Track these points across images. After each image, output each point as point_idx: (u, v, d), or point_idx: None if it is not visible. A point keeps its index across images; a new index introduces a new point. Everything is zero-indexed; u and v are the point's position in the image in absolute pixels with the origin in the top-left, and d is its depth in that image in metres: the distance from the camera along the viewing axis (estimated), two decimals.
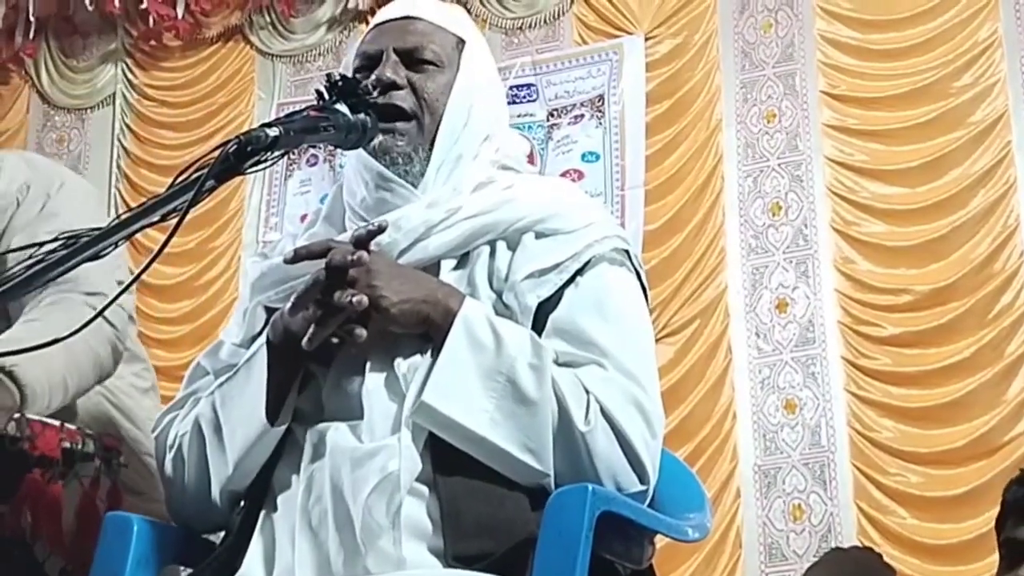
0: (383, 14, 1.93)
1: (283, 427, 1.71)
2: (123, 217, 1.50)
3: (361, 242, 1.69)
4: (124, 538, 1.75)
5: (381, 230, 1.71)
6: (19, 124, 7.10)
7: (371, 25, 1.94)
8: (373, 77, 1.80)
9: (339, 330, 1.65)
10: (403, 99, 1.82)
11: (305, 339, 1.65)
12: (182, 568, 1.87)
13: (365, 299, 1.63)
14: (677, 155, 5.96)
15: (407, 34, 1.86)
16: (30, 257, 1.45)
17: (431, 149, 1.81)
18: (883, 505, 5.24)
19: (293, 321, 1.69)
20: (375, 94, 1.75)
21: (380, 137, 1.78)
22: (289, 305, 1.68)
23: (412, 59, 1.84)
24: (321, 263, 1.67)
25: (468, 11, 5.23)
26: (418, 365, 1.67)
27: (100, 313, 1.75)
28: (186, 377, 1.90)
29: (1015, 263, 5.35)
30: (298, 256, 1.71)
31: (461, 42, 1.89)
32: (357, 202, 1.84)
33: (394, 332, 1.69)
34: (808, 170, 5.79)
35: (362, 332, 1.64)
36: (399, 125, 1.80)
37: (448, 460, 1.63)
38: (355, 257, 1.65)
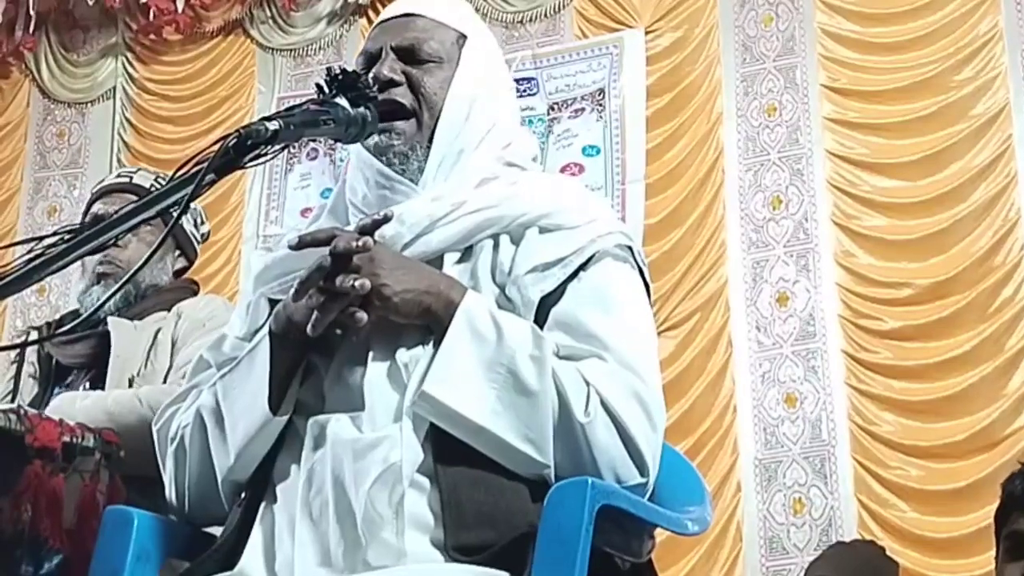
0: (385, 12, 1.96)
1: (285, 417, 1.71)
2: (123, 211, 1.50)
3: (366, 231, 1.69)
4: (124, 532, 1.75)
5: (386, 220, 1.71)
6: (19, 118, 7.10)
7: (374, 24, 1.96)
8: (371, 75, 1.81)
9: (341, 315, 1.65)
10: (402, 95, 1.83)
11: (309, 325, 1.65)
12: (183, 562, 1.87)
13: (367, 282, 1.64)
14: (678, 149, 5.96)
15: (406, 31, 1.88)
16: (30, 251, 1.45)
17: (430, 144, 1.82)
18: (883, 498, 5.24)
19: (296, 310, 1.69)
20: (374, 90, 1.76)
21: (377, 137, 1.79)
22: (292, 292, 1.69)
23: (410, 56, 1.86)
24: (325, 251, 1.67)
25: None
26: (420, 356, 1.68)
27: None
28: (189, 370, 1.91)
29: (1016, 257, 5.35)
30: (303, 243, 1.71)
31: (462, 37, 1.90)
32: (359, 199, 1.85)
33: (396, 323, 1.69)
34: (809, 164, 5.78)
35: (363, 316, 1.64)
36: (397, 124, 1.81)
37: (449, 451, 1.63)
38: (360, 243, 1.65)
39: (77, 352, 2.64)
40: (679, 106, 6.02)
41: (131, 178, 2.83)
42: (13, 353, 2.80)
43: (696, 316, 5.69)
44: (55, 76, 7.10)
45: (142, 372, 2.53)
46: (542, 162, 5.82)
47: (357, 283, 1.63)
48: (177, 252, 2.83)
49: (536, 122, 5.99)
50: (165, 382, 2.51)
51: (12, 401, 2.63)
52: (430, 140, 1.82)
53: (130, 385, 2.50)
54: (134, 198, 2.67)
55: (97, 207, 2.76)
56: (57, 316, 3.01)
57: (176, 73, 6.96)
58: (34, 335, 2.79)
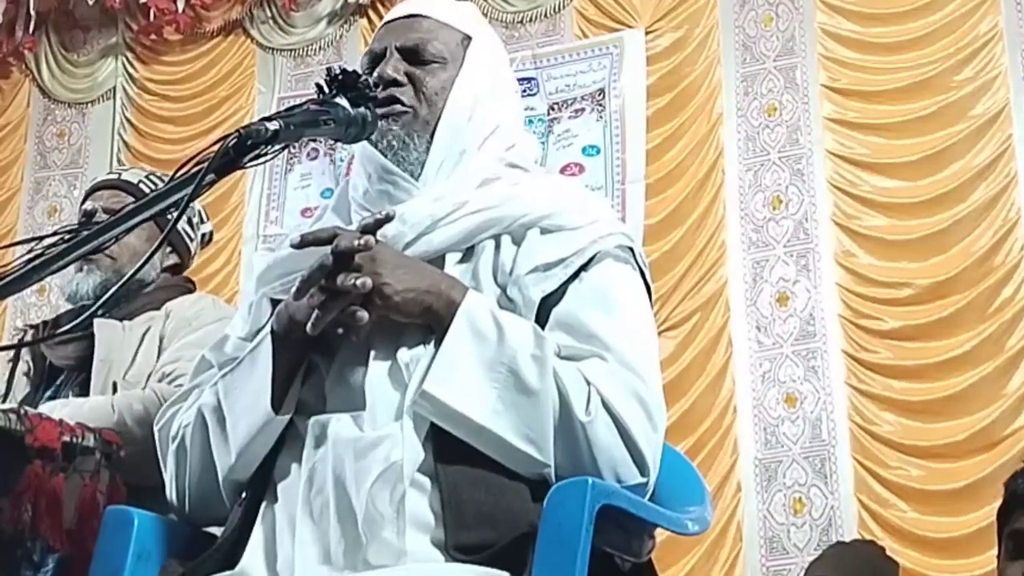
0: (391, 13, 1.96)
1: (286, 417, 1.71)
2: (123, 212, 1.50)
3: (368, 230, 1.70)
4: (124, 532, 1.75)
5: (388, 219, 1.72)
6: (20, 118, 7.10)
7: (380, 24, 1.96)
8: (375, 75, 1.81)
9: (342, 314, 1.66)
10: (404, 94, 1.83)
11: (309, 324, 1.65)
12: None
13: (368, 280, 1.64)
14: (678, 149, 5.96)
15: (410, 32, 1.89)
16: (30, 251, 1.45)
17: (431, 141, 1.82)
18: (884, 498, 5.24)
19: (298, 309, 1.69)
20: (376, 91, 1.76)
21: (379, 121, 1.78)
22: (294, 291, 1.69)
23: (414, 56, 1.86)
24: (327, 250, 1.67)
25: None
26: (420, 355, 1.68)
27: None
28: (191, 371, 1.91)
29: (1016, 257, 5.35)
30: (305, 241, 1.72)
31: (467, 39, 1.91)
32: (360, 195, 1.85)
33: (397, 323, 1.69)
34: (809, 163, 5.78)
35: (364, 314, 1.65)
36: (396, 108, 1.82)
37: (449, 450, 1.63)
38: (362, 242, 1.65)
39: (68, 354, 2.62)
40: (679, 106, 6.02)
41: (120, 174, 2.83)
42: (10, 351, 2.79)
43: (696, 316, 5.69)
44: (55, 76, 7.09)
45: (127, 375, 2.52)
46: (542, 163, 5.82)
47: (358, 282, 1.64)
48: (168, 249, 2.80)
49: (536, 122, 5.99)
50: (147, 383, 2.49)
51: (5, 399, 2.63)
52: (431, 136, 1.83)
53: (115, 390, 2.49)
54: (123, 194, 2.68)
55: (87, 204, 2.76)
56: (55, 316, 2.99)
57: (176, 73, 6.96)
58: (31, 334, 2.78)
